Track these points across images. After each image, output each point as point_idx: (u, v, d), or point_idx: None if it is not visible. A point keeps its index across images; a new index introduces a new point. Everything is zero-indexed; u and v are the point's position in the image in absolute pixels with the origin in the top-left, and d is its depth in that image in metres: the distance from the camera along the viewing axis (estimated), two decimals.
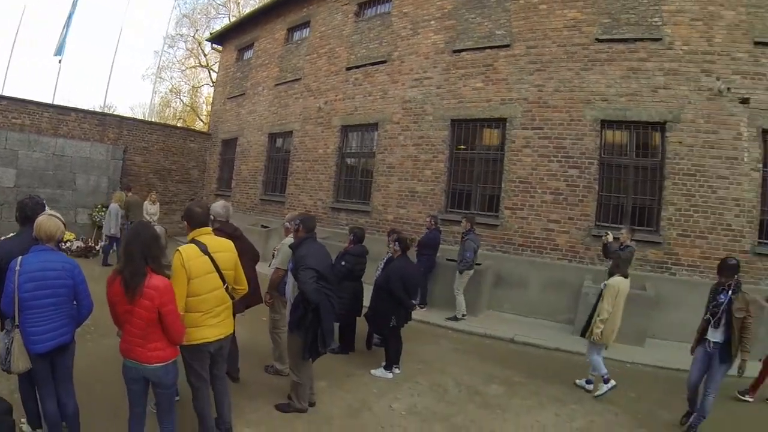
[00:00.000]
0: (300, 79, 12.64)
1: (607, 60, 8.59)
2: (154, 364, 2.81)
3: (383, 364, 5.34)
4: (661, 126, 8.32)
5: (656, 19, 8.53)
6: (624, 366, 6.39)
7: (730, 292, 4.41)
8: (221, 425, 3.52)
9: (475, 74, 9.49)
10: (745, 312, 4.31)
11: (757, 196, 8.05)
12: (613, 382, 5.22)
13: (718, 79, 8.32)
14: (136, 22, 45.84)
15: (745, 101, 8.25)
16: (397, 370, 5.35)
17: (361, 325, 5.99)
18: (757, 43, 8.29)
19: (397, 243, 5.55)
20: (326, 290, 3.97)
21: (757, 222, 8.03)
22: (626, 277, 5.41)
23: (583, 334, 5.46)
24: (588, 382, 5.49)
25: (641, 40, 8.48)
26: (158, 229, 3.44)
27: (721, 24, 8.40)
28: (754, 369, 5.13)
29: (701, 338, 4.60)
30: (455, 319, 7.81)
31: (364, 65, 11.07)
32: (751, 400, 5.55)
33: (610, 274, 5.43)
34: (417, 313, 7.51)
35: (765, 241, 8.04)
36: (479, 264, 8.35)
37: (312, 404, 4.27)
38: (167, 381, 2.93)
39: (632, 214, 8.42)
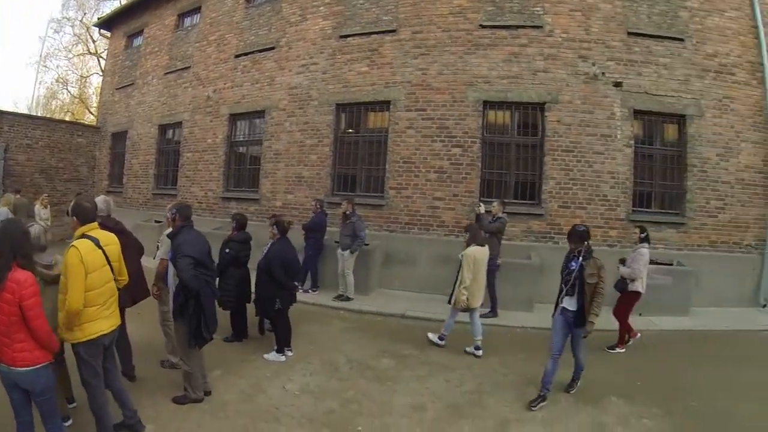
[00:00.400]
0: (189, 67, 11.70)
1: (490, 45, 8.54)
2: (21, 368, 2.67)
3: (275, 347, 5.23)
4: (540, 106, 8.41)
5: (538, 9, 8.64)
6: (515, 331, 6.57)
7: (581, 258, 4.28)
8: (132, 418, 3.44)
9: (361, 59, 9.08)
10: (597, 277, 4.19)
11: (630, 170, 8.44)
12: (443, 343, 5.70)
13: (593, 64, 8.54)
14: (16, 2, 40.51)
15: (618, 85, 8.54)
16: (289, 353, 5.24)
17: (253, 312, 5.80)
18: (630, 34, 8.73)
19: (275, 226, 5.35)
20: (205, 277, 3.92)
21: (630, 192, 8.45)
22: (482, 246, 5.67)
23: (450, 301, 5.67)
24: (477, 348, 5.58)
25: (523, 27, 8.57)
26: (35, 228, 3.31)
27: (599, 15, 8.68)
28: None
29: (558, 306, 4.49)
30: (346, 298, 7.57)
31: (253, 52, 10.35)
32: (623, 350, 6.01)
33: (467, 245, 5.62)
34: (309, 296, 7.59)
35: (638, 209, 8.52)
36: (367, 244, 8.08)
37: (207, 393, 4.16)
38: (38, 387, 2.76)
39: (515, 189, 8.46)
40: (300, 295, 7.46)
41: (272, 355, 5.14)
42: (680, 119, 8.81)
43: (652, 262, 8.06)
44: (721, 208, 8.90)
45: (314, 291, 7.96)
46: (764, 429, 4.38)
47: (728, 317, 8.11)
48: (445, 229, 8.30)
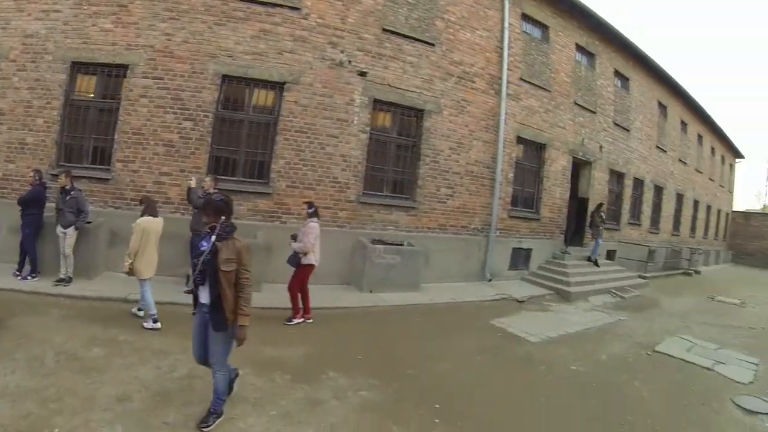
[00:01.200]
0: None
1: (243, 18, 8.18)
2: None
3: None
4: (280, 86, 8.31)
5: None
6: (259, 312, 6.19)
7: (213, 237, 3.30)
8: None
9: (108, 14, 8.00)
10: (236, 264, 3.26)
11: (363, 154, 8.80)
12: (158, 325, 5.41)
13: (342, 51, 8.71)
14: None
15: (363, 74, 8.83)
16: None
17: None
18: (385, 30, 9.08)
19: None
20: None
21: (362, 176, 8.80)
22: (155, 217, 5.59)
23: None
24: (140, 310, 5.73)
25: (281, 6, 8.39)
26: None
27: (359, 8, 8.86)
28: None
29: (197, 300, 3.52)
30: (69, 279, 6.76)
31: None
32: (301, 321, 6.27)
33: (142, 215, 5.53)
34: (27, 284, 6.63)
35: (370, 192, 8.93)
36: (90, 222, 7.22)
37: None
38: None
39: (245, 167, 8.27)
40: (17, 283, 6.57)
41: None
42: (419, 113, 9.46)
43: (381, 242, 8.70)
44: (450, 195, 9.83)
45: (33, 278, 6.82)
46: (475, 389, 4.73)
47: (456, 291, 9.05)
48: (171, 207, 7.71)
